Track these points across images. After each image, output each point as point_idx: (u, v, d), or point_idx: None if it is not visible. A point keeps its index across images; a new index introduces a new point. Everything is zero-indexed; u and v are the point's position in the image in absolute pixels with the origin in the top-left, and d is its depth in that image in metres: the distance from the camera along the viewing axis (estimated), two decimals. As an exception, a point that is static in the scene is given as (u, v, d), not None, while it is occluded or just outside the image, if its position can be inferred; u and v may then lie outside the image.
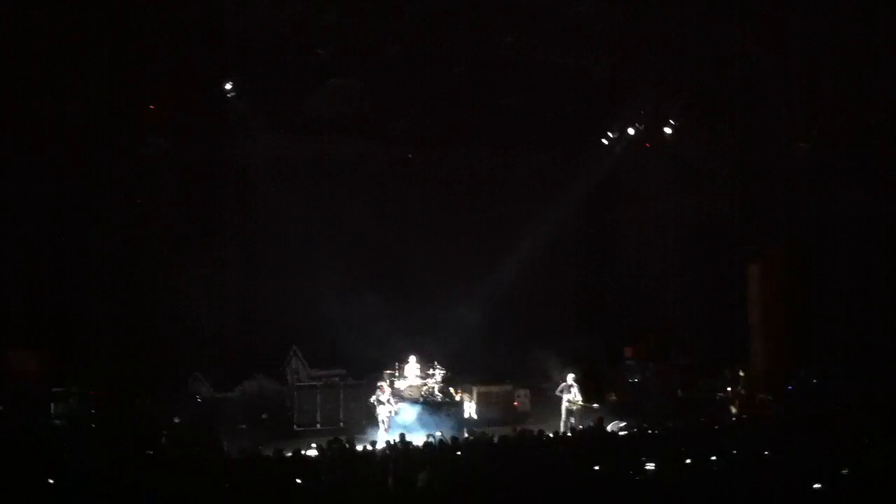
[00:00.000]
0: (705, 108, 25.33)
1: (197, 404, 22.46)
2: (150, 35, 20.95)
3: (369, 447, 16.56)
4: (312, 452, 15.72)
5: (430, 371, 24.42)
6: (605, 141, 27.46)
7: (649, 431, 18.19)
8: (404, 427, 21.63)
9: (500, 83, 24.38)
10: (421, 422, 22.92)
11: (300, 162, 25.13)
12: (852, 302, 23.94)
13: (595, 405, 22.77)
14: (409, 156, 26.76)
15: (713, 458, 13.89)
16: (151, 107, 22.72)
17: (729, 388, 24.03)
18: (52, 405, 20.73)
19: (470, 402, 24.44)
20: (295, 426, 22.90)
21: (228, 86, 23.09)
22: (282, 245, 24.79)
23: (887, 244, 23.10)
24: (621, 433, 19.19)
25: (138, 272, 23.13)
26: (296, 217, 24.90)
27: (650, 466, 13.08)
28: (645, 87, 25.37)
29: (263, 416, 22.89)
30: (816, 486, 11.50)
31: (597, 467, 13.00)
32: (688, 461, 13.59)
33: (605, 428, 19.42)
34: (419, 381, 24.09)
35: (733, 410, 23.33)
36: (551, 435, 18.17)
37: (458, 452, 15.62)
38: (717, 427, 19.23)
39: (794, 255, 25.06)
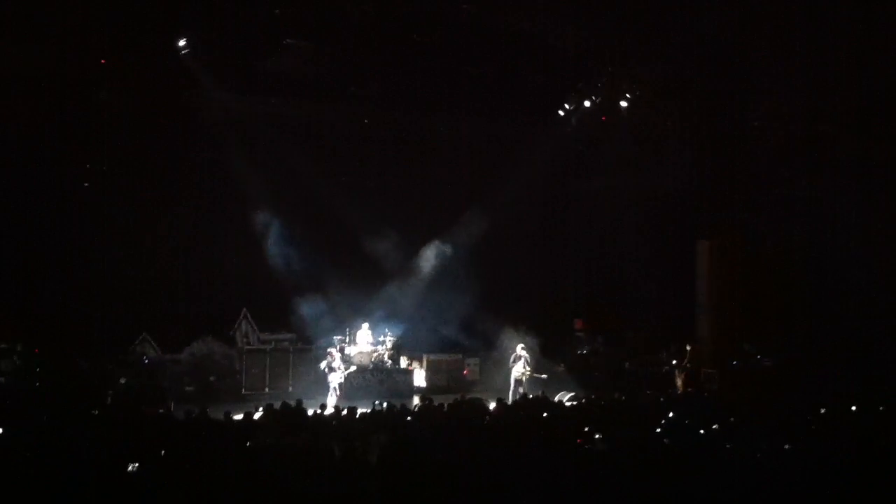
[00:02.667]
0: (663, 84, 25.41)
1: (144, 365, 22.23)
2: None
3: (318, 411, 16.54)
4: (258, 416, 15.63)
5: (381, 338, 24.43)
6: (561, 112, 27.41)
7: (596, 402, 18.35)
8: (354, 393, 21.69)
9: (459, 49, 24.19)
10: (370, 388, 22.98)
11: (256, 122, 24.77)
12: (800, 280, 24.36)
13: (543, 375, 22.96)
14: (366, 121, 26.47)
15: (658, 430, 14.08)
16: (102, 61, 22.23)
17: (675, 362, 24.34)
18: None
19: (420, 369, 24.51)
20: (243, 390, 22.82)
21: (182, 42, 22.65)
22: (237, 206, 24.49)
23: (840, 226, 23.49)
24: (568, 403, 19.39)
25: (88, 229, 22.75)
26: (252, 178, 24.62)
27: (597, 437, 13.22)
28: (604, 59, 25.33)
29: (212, 378, 22.75)
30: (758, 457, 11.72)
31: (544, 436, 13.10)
32: (632, 433, 13.75)
33: (552, 398, 19.62)
34: (370, 348, 24.09)
35: (678, 384, 23.66)
36: (500, 401, 18.23)
37: (408, 418, 15.68)
38: (662, 399, 19.48)
39: (744, 234, 25.40)
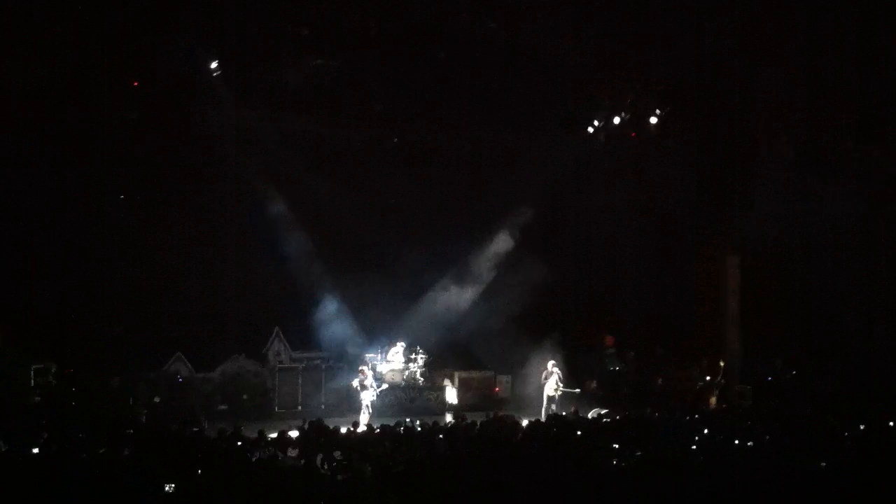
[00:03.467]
0: (678, 103, 25.42)
1: (177, 384, 22.38)
2: (125, 7, 20.72)
3: (351, 429, 16.57)
4: (294, 434, 15.68)
5: (413, 356, 24.46)
6: (590, 129, 27.38)
7: (629, 419, 18.26)
8: (386, 411, 21.70)
9: (476, 66, 24.23)
10: (401, 406, 22.99)
11: (281, 140, 24.87)
12: (829, 297, 24.17)
13: (576, 390, 22.88)
14: (395, 140, 26.51)
15: (692, 447, 13.99)
16: (135, 83, 22.44)
17: (707, 378, 24.17)
18: (32, 381, 20.61)
19: (451, 387, 24.50)
20: (276, 408, 22.90)
21: (214, 64, 22.80)
22: (268, 226, 24.62)
23: (862, 243, 23.33)
24: (602, 420, 19.28)
25: (121, 251, 22.97)
26: (281, 197, 24.76)
27: (631, 453, 13.15)
28: (616, 77, 25.33)
29: (244, 397, 22.86)
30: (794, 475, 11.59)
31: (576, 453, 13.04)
32: (668, 449, 13.67)
33: (585, 415, 19.53)
34: (401, 366, 24.12)
35: (711, 400, 23.50)
36: (533, 420, 18.18)
37: (440, 436, 15.66)
38: (696, 416, 19.34)
39: (772, 250, 25.25)
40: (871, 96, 22.59)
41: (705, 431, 15.22)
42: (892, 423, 15.62)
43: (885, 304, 23.16)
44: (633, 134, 27.07)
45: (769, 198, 24.92)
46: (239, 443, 14.56)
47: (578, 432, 16.18)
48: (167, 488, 10.49)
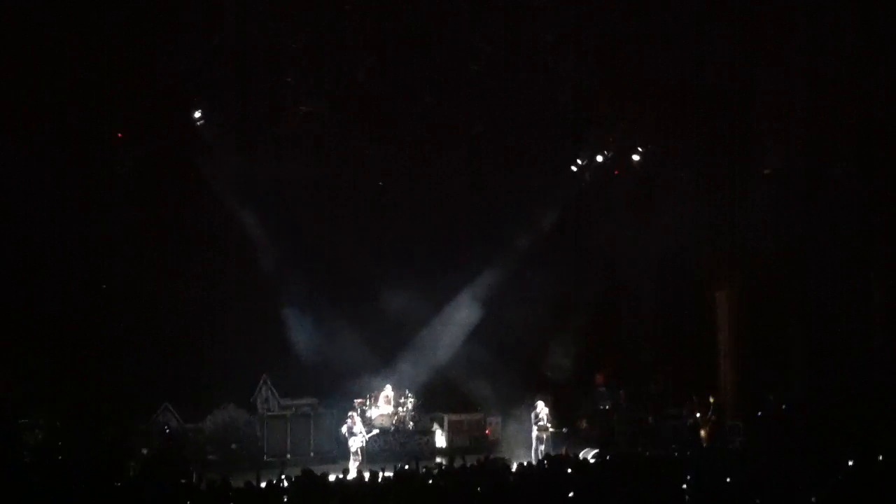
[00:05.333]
0: (673, 138, 25.59)
1: (166, 435, 22.23)
2: (118, 58, 20.81)
3: (341, 476, 16.47)
4: (284, 483, 15.55)
5: (402, 399, 24.39)
6: (573, 168, 27.53)
7: (620, 459, 18.19)
8: (376, 456, 21.59)
9: (467, 109, 24.41)
10: (392, 451, 22.88)
11: (270, 186, 24.95)
12: (820, 330, 24.19)
13: (563, 430, 22.82)
14: (380, 183, 26.63)
15: (683, 486, 13.93)
16: (119, 134, 22.52)
17: (698, 415, 24.13)
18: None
19: (441, 430, 24.42)
20: (265, 457, 22.75)
21: (197, 114, 22.92)
22: (253, 272, 24.61)
23: (853, 275, 23.42)
24: (592, 460, 19.21)
25: (105, 299, 22.90)
26: (267, 243, 24.78)
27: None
28: (611, 114, 25.50)
29: (233, 446, 22.74)
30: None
31: (571, 494, 12.99)
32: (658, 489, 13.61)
33: (577, 455, 19.46)
34: (390, 410, 24.04)
35: (703, 436, 23.44)
36: (524, 463, 18.09)
37: (430, 481, 15.57)
38: (688, 454, 19.28)
39: (762, 284, 25.32)
40: (867, 117, 22.78)
41: (696, 471, 15.11)
42: (880, 458, 15.59)
43: (883, 335, 23.15)
44: (616, 171, 27.27)
45: (761, 230, 25.01)
46: (229, 494, 14.44)
47: (569, 471, 16.14)
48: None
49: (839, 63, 22.27)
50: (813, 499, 11.63)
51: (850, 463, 15.14)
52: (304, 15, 21.48)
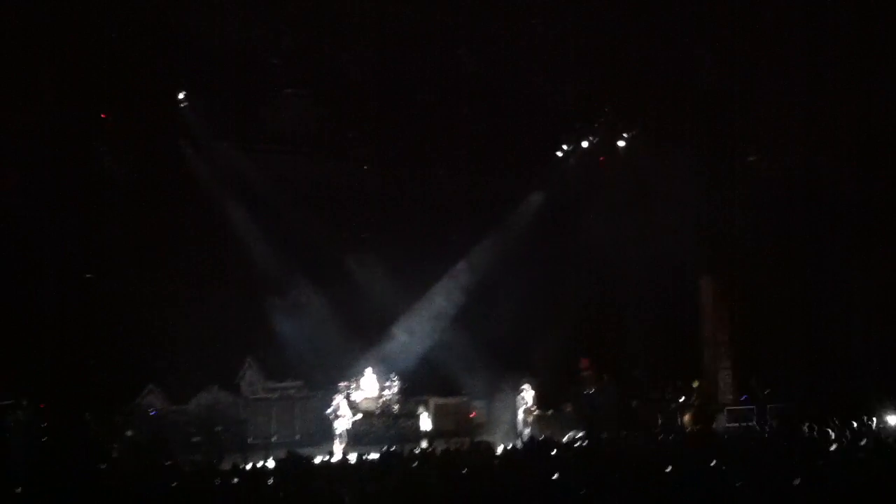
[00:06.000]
0: (650, 124, 25.68)
1: (150, 417, 22.20)
2: (104, 45, 20.71)
3: (326, 459, 16.49)
4: (270, 465, 15.58)
5: (387, 383, 24.41)
6: (559, 154, 27.57)
7: (604, 443, 18.26)
8: (361, 439, 21.62)
9: (453, 98, 24.42)
10: (377, 434, 22.91)
11: (254, 174, 24.93)
12: (803, 314, 24.32)
13: (549, 412, 22.91)
14: (365, 167, 26.60)
15: (667, 469, 13.98)
16: (103, 115, 22.43)
17: (682, 399, 24.25)
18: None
19: (426, 414, 24.44)
20: (249, 439, 22.75)
21: (181, 95, 22.87)
22: (237, 256, 24.57)
23: (839, 262, 23.53)
24: (576, 444, 19.27)
25: (91, 282, 22.81)
26: (252, 228, 24.74)
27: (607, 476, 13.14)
28: (601, 100, 25.54)
29: (218, 428, 22.69)
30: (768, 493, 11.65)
31: (555, 476, 13.01)
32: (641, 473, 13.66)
33: (561, 438, 19.53)
34: (375, 393, 24.06)
35: (686, 421, 23.56)
36: (509, 446, 18.16)
37: (414, 464, 15.60)
38: (671, 437, 19.38)
39: (745, 269, 25.41)
40: (866, 117, 22.87)
41: (682, 454, 15.20)
42: (863, 442, 15.70)
43: (872, 322, 23.28)
44: (602, 158, 27.33)
45: (746, 217, 25.10)
46: (214, 476, 14.44)
47: (553, 452, 16.21)
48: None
49: (831, 52, 22.32)
50: (796, 481, 11.69)
51: (832, 448, 15.24)
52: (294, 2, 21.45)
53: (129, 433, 21.18)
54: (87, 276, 23.19)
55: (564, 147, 27.51)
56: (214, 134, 23.81)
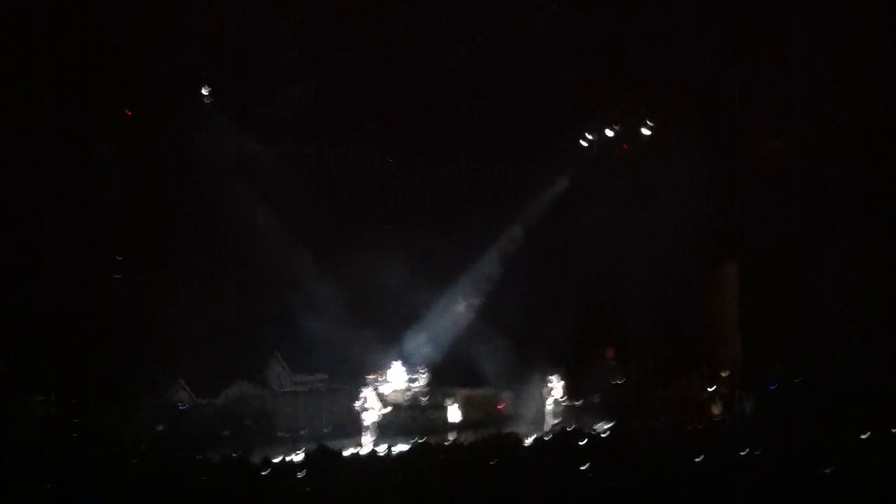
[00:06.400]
0: (671, 112, 25.57)
1: (179, 411, 22.33)
2: (119, 36, 20.78)
3: (355, 451, 16.54)
4: (299, 458, 15.64)
5: (415, 375, 24.44)
6: (582, 143, 27.49)
7: (632, 432, 18.24)
8: (389, 431, 21.65)
9: (469, 86, 24.37)
10: (405, 426, 22.93)
11: (276, 165, 24.95)
12: (829, 301, 24.08)
13: (577, 402, 22.86)
14: (389, 159, 26.61)
15: (696, 459, 13.93)
16: (127, 112, 22.54)
17: (710, 388, 24.12)
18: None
19: (455, 405, 24.49)
20: (278, 433, 22.84)
21: (205, 91, 22.94)
22: (268, 248, 24.64)
23: (859, 249, 23.30)
24: (604, 434, 19.24)
25: (120, 276, 22.95)
26: (280, 222, 24.78)
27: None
28: (608, 89, 25.47)
29: (246, 422, 22.81)
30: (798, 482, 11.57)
31: (583, 468, 13.01)
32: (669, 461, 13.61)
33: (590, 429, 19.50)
34: (403, 386, 24.09)
35: (714, 409, 23.45)
36: (538, 437, 18.16)
37: (443, 456, 15.62)
38: (700, 427, 19.32)
39: (770, 256, 25.21)
40: (870, 101, 22.65)
41: (712, 442, 15.13)
42: (893, 430, 15.53)
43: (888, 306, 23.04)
44: (625, 146, 27.21)
45: (768, 203, 24.91)
46: (244, 470, 14.51)
47: (581, 443, 16.22)
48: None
49: (841, 36, 22.15)
50: (826, 470, 11.62)
51: (864, 436, 15.11)
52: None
53: (158, 428, 21.30)
54: (116, 276, 23.31)
55: (588, 135, 27.40)
56: (232, 127, 23.79)
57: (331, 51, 22.71)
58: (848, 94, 22.68)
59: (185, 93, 23.00)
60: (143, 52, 21.12)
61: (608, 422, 21.25)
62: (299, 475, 13.81)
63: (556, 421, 21.92)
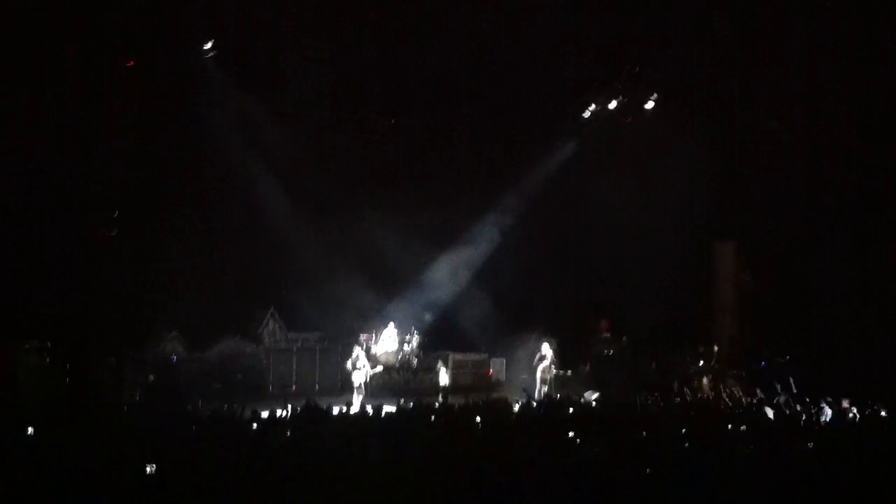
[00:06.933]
0: (674, 87, 25.48)
1: (172, 363, 22.42)
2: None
3: (344, 410, 16.63)
4: (287, 414, 15.71)
5: (407, 337, 24.53)
6: (585, 114, 27.43)
7: (621, 403, 18.30)
8: (379, 391, 21.77)
9: (476, 52, 24.29)
10: (395, 387, 23.07)
11: (274, 128, 24.91)
12: (830, 284, 24.10)
13: (568, 372, 22.96)
14: (392, 121, 26.55)
15: (683, 430, 14.03)
16: (130, 63, 22.43)
17: (701, 363, 24.21)
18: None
19: (445, 369, 24.57)
20: (270, 388, 22.97)
21: (208, 45, 22.85)
22: (263, 207, 24.66)
23: (861, 236, 23.29)
24: (594, 403, 19.35)
25: (118, 229, 22.95)
26: (277, 180, 24.76)
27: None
28: (612, 61, 25.37)
29: (239, 376, 22.92)
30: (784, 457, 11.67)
31: (571, 434, 13.09)
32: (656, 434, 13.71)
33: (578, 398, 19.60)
34: (395, 347, 24.20)
35: (704, 385, 23.54)
36: (526, 401, 18.24)
37: (431, 418, 15.70)
38: (688, 400, 19.41)
39: (764, 234, 25.21)
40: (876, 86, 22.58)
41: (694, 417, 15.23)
42: (884, 413, 15.63)
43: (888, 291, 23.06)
44: (629, 118, 27.14)
45: (768, 182, 24.88)
46: (232, 423, 14.59)
47: (570, 410, 16.33)
48: (148, 469, 10.40)
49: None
50: (809, 444, 11.72)
51: (852, 415, 15.23)
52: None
53: (150, 378, 21.40)
54: (112, 233, 23.30)
55: (592, 107, 27.33)
56: (235, 85, 23.73)
57: (336, 12, 22.62)
58: (857, 73, 22.58)
59: (187, 47, 22.91)
60: (162, 9, 21.11)
61: (595, 392, 21.34)
62: (287, 431, 13.91)
63: (545, 388, 22.00)
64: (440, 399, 21.21)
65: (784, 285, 24.46)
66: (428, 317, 25.36)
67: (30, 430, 12.52)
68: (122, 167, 22.86)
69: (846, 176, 23.27)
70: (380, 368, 23.09)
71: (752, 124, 24.87)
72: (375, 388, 22.13)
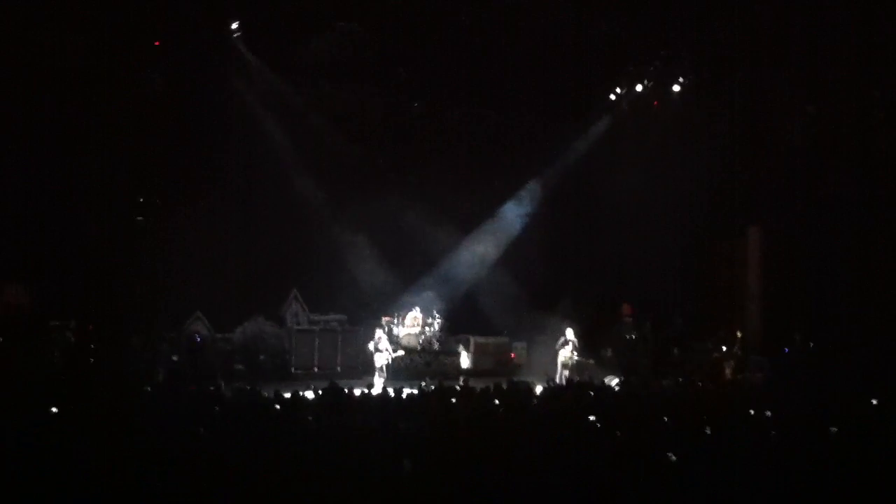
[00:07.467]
0: (702, 72, 25.32)
1: (196, 343, 22.56)
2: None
3: (366, 391, 16.69)
4: (310, 395, 15.81)
5: (429, 320, 24.56)
6: (612, 97, 27.29)
7: (643, 388, 18.26)
8: (400, 374, 21.83)
9: (502, 35, 24.20)
10: (417, 370, 23.12)
11: (302, 105, 24.95)
12: (845, 273, 23.92)
13: (591, 360, 22.91)
14: (416, 104, 26.48)
15: (704, 416, 13.96)
16: (157, 42, 22.53)
17: (724, 349, 24.10)
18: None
19: (467, 352, 24.62)
20: (292, 369, 23.08)
21: (234, 25, 22.91)
22: (287, 190, 24.71)
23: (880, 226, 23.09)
24: (616, 388, 19.29)
25: (141, 210, 23.11)
26: (299, 161, 24.81)
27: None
28: (640, 45, 25.21)
29: (261, 357, 23.04)
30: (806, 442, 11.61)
31: (592, 418, 13.06)
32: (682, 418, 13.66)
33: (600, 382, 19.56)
34: (417, 330, 24.24)
35: (727, 371, 23.44)
36: (548, 385, 18.24)
37: (453, 401, 15.73)
38: (712, 387, 19.33)
39: (792, 221, 25.02)
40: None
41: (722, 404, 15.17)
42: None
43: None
44: (656, 102, 26.98)
45: (793, 169, 24.69)
46: (255, 403, 14.69)
47: (591, 393, 16.32)
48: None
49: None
50: (833, 429, 11.66)
51: (874, 401, 15.11)
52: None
53: (174, 358, 21.56)
54: (139, 218, 23.49)
55: (618, 90, 27.19)
56: (265, 65, 23.78)
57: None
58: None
59: (215, 27, 22.97)
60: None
61: (616, 377, 21.28)
62: (309, 413, 13.97)
63: (567, 373, 21.97)
64: (461, 382, 21.22)
65: (811, 271, 24.27)
66: (440, 305, 25.27)
67: (53, 409, 12.61)
68: (150, 151, 23.04)
69: (879, 164, 23.03)
70: (402, 351, 23.13)
71: (794, 107, 24.55)
72: (397, 371, 22.19)
